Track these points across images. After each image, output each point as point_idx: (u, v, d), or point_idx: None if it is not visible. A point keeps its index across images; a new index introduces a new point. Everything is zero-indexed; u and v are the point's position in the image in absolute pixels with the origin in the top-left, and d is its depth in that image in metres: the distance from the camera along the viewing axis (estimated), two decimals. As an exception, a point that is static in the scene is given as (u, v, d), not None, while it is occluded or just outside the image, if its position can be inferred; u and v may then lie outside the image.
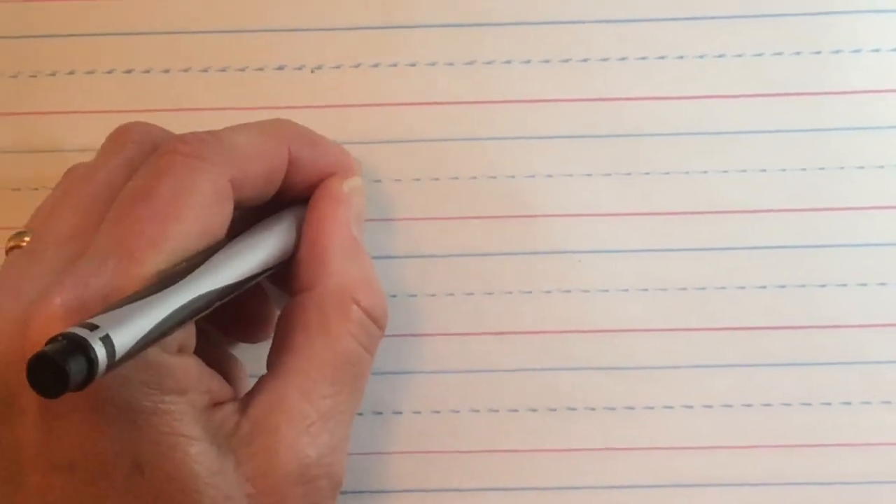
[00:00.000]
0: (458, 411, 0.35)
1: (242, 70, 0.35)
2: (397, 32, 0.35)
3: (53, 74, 0.35)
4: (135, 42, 0.35)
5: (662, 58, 0.35)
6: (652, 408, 0.35)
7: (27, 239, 0.30)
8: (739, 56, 0.35)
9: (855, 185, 0.34)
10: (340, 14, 0.35)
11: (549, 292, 0.35)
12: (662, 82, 0.35)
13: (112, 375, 0.24)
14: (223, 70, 0.35)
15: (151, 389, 0.26)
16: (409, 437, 0.35)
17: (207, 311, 0.27)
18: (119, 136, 0.31)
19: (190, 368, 0.27)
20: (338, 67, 0.35)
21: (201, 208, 0.28)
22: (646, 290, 0.35)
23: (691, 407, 0.35)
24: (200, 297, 0.27)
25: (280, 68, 0.35)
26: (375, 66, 0.35)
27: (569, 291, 0.35)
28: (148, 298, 0.25)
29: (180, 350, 0.27)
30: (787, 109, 0.35)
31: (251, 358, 0.34)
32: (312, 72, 0.35)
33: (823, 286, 0.35)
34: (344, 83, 0.35)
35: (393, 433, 0.35)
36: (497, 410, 0.35)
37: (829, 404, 0.34)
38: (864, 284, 0.34)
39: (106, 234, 0.28)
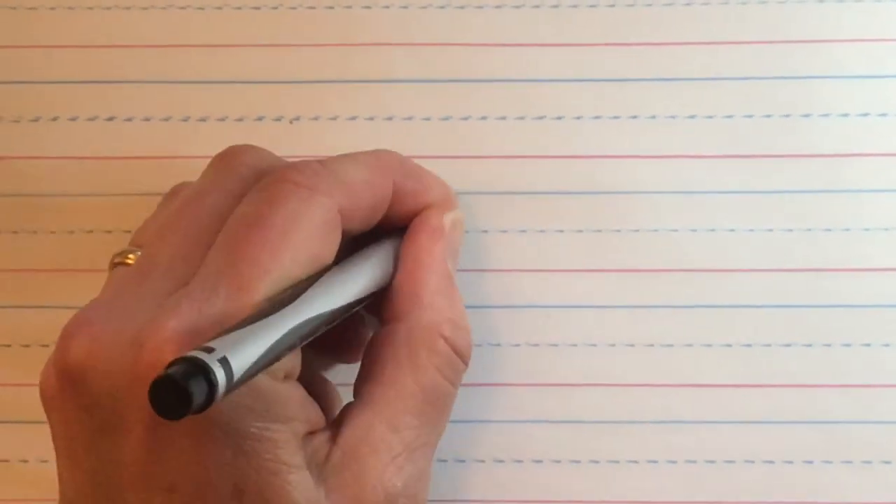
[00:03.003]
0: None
1: (222, 120, 0.36)
2: (375, 87, 0.36)
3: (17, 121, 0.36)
4: (116, 90, 0.36)
5: (635, 117, 0.35)
6: (616, 462, 0.35)
7: (131, 256, 0.30)
8: (710, 118, 0.35)
9: (822, 247, 0.35)
10: (318, 68, 0.35)
11: (517, 346, 0.35)
12: (634, 141, 0.35)
13: (222, 400, 0.24)
14: (203, 120, 0.36)
15: (258, 416, 0.27)
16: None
17: (314, 336, 0.28)
18: (228, 159, 0.31)
19: (295, 396, 0.28)
20: (316, 119, 0.36)
21: (312, 238, 0.28)
22: (613, 345, 0.35)
23: (656, 462, 0.35)
24: (310, 320, 0.27)
25: (259, 119, 0.36)
26: (352, 118, 0.36)
27: (537, 345, 0.35)
28: (261, 322, 0.25)
29: (287, 377, 0.28)
30: (756, 170, 0.35)
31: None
32: (291, 122, 0.36)
33: (788, 346, 0.35)
34: (321, 135, 0.35)
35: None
36: (464, 461, 0.35)
37: (791, 462, 0.35)
38: (829, 345, 0.35)
39: (217, 258, 0.28)
